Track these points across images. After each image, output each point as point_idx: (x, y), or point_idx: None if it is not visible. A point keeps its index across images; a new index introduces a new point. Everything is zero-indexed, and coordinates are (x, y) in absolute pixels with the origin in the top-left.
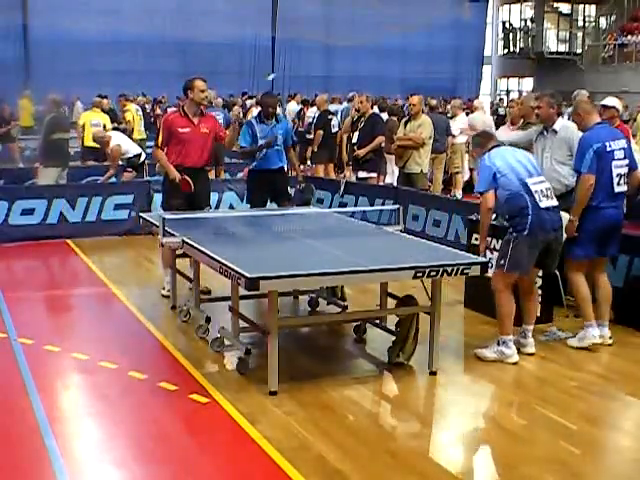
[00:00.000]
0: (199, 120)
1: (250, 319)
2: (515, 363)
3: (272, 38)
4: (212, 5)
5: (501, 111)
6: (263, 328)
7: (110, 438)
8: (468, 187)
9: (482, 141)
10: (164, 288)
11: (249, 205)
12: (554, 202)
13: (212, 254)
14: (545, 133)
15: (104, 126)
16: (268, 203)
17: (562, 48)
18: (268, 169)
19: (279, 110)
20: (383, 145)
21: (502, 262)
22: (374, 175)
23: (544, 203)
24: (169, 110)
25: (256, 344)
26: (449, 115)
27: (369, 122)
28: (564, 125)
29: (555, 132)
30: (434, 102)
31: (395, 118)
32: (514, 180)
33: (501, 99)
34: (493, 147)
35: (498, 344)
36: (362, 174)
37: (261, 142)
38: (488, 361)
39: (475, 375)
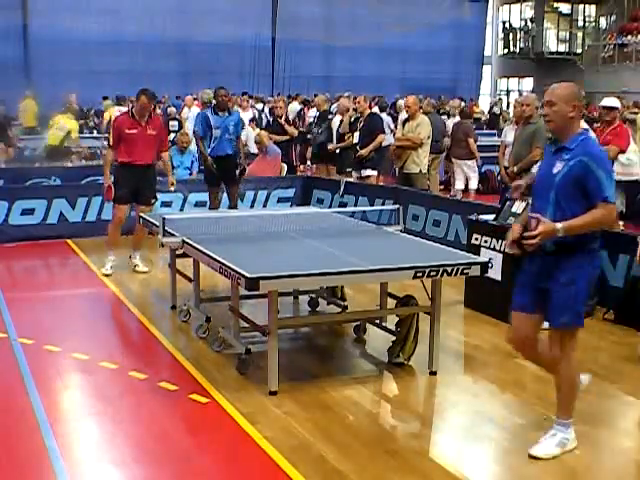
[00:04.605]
0: (147, 122)
1: (250, 319)
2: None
3: (272, 38)
4: (212, 5)
5: (496, 110)
6: (263, 328)
7: (110, 438)
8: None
9: None
10: (104, 266)
11: (207, 185)
12: None
13: (212, 254)
14: None
15: (68, 132)
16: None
17: (562, 48)
18: (221, 155)
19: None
20: (385, 144)
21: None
22: (374, 173)
23: None
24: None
25: (256, 344)
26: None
27: (368, 121)
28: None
29: None
30: (434, 102)
31: None
32: None
33: (500, 99)
34: None
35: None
36: (366, 172)
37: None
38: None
39: (475, 375)
